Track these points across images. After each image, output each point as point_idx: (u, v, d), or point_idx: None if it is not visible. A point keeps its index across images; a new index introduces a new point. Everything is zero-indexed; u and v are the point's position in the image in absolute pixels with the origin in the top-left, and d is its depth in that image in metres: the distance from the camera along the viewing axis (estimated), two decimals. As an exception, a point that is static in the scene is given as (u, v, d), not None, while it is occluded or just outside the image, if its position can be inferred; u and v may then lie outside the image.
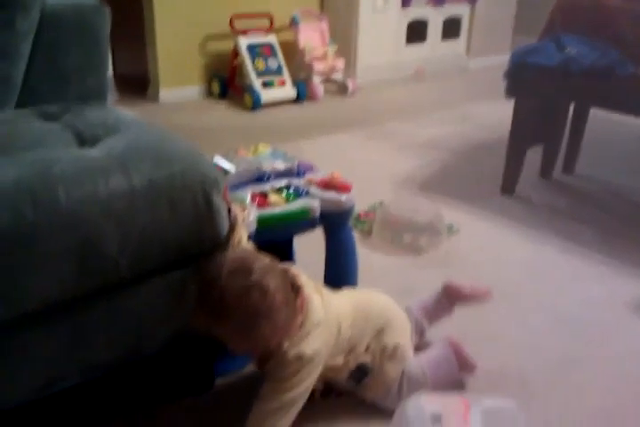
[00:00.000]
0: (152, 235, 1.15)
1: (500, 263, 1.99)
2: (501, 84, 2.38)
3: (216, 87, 3.80)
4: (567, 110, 2.58)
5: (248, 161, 1.63)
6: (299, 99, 3.73)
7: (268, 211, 1.44)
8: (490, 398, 1.22)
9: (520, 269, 1.96)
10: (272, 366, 1.20)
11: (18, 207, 1.00)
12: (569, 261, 2.00)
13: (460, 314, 1.58)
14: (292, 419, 1.20)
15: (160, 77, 3.67)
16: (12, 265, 0.99)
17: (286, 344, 1.18)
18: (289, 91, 3.71)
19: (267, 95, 3.60)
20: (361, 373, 1.32)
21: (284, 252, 1.78)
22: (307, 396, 1.21)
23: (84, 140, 1.28)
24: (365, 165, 2.71)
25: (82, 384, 1.19)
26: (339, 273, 1.61)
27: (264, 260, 1.18)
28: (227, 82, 3.77)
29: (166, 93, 3.69)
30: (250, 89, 3.59)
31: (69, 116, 1.41)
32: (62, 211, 1.04)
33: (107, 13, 1.65)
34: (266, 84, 3.63)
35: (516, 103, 2.39)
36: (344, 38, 4.05)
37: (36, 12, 1.53)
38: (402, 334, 1.39)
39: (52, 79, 1.59)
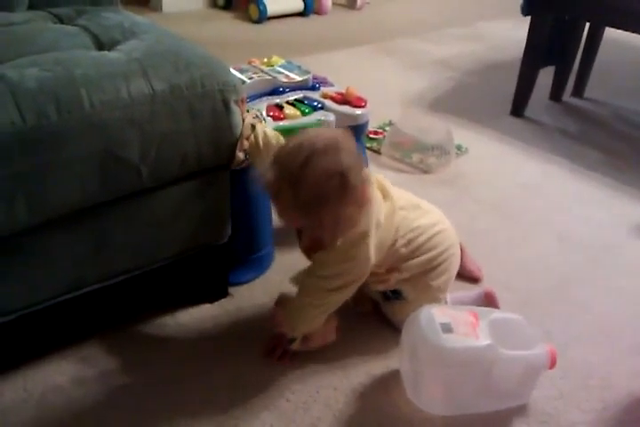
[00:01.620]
0: (172, 142, 1.15)
1: (508, 183, 2.00)
2: (516, 2, 2.31)
3: (220, -2, 3.67)
4: (582, 30, 2.52)
5: (263, 71, 1.60)
6: (306, 12, 3.61)
7: (284, 123, 1.44)
8: (497, 311, 1.26)
9: (526, 190, 1.97)
10: (322, 257, 1.18)
11: (42, 109, 1.00)
12: (575, 183, 2.02)
13: (467, 232, 1.61)
14: (324, 319, 1.22)
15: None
16: (37, 168, 1.00)
17: (340, 241, 1.14)
18: (296, 3, 3.58)
19: (273, 7, 3.48)
20: (396, 295, 1.33)
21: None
22: (343, 300, 1.22)
23: (102, 44, 1.25)
24: (374, 81, 2.66)
25: (101, 288, 1.22)
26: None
27: (354, 147, 1.11)
28: (232, -8, 3.64)
29: (169, 2, 3.56)
30: (255, 0, 3.47)
31: (85, 18, 1.37)
32: (85, 114, 1.04)
33: None
34: (272, -5, 3.50)
35: (532, 22, 2.33)
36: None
37: None
38: (450, 272, 1.34)
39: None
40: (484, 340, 1.10)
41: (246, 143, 1.26)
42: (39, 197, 1.02)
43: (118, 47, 1.22)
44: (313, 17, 3.63)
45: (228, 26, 3.41)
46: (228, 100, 1.20)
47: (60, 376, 1.22)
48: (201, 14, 3.59)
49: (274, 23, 3.46)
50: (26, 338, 1.22)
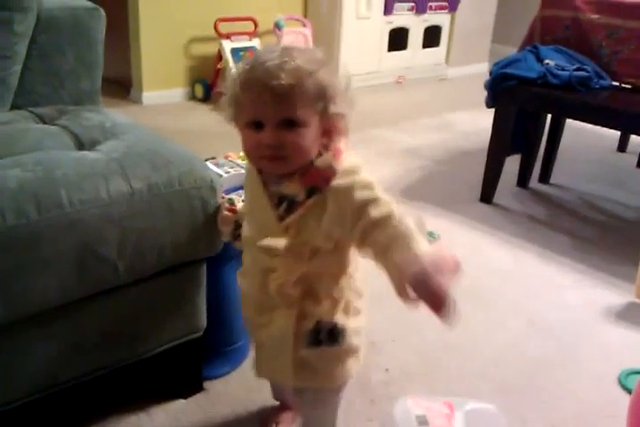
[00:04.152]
0: (150, 239, 1.18)
1: (479, 270, 2.04)
2: (481, 93, 2.45)
3: (199, 90, 3.81)
4: (544, 121, 2.66)
5: (238, 165, 1.66)
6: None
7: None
8: (472, 402, 1.27)
9: (498, 276, 2.01)
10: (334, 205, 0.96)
11: (22, 208, 1.03)
12: (546, 269, 2.07)
13: (437, 321, 1.62)
14: None
15: (143, 80, 3.68)
16: (16, 266, 1.02)
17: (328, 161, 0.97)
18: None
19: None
20: (332, 337, 1.05)
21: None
22: None
23: (82, 144, 1.30)
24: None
25: (74, 385, 1.21)
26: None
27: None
28: (210, 85, 3.79)
29: (149, 95, 3.70)
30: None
31: (66, 118, 1.43)
32: (64, 213, 1.07)
33: (102, 17, 1.68)
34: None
35: (496, 113, 2.46)
36: (327, 44, 4.09)
37: (32, 15, 1.54)
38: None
39: (47, 81, 1.60)
40: (460, 431, 1.10)
41: (228, 214, 1.19)
42: (16, 295, 1.03)
43: (98, 147, 1.27)
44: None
45: (207, 118, 3.52)
46: (206, 198, 1.24)
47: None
48: (180, 107, 3.72)
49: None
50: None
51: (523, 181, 2.74)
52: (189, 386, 1.42)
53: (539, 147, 2.71)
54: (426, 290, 0.84)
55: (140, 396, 1.38)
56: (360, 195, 0.95)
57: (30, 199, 1.04)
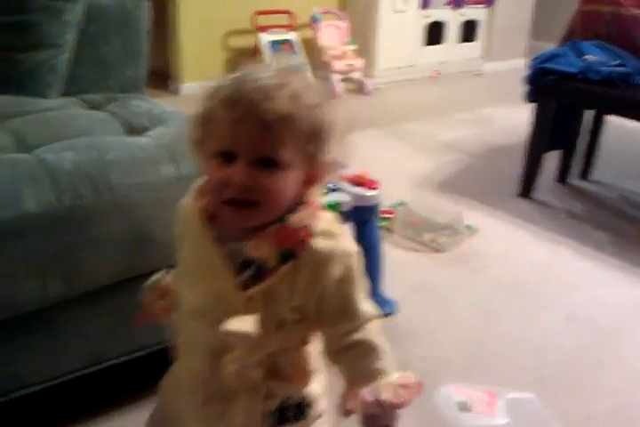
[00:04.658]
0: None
1: (518, 264, 2.03)
2: (518, 89, 2.43)
3: (236, 82, 3.84)
4: (584, 117, 2.63)
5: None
6: (317, 96, 3.76)
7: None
8: (513, 391, 1.27)
9: (537, 270, 2.00)
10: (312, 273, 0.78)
11: (77, 189, 1.06)
12: (584, 264, 2.05)
13: (479, 311, 1.63)
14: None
15: (182, 71, 3.72)
16: (72, 245, 1.05)
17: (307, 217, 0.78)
18: (308, 88, 3.74)
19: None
20: (298, 412, 0.88)
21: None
22: None
23: (131, 129, 1.32)
24: (383, 164, 2.75)
25: (117, 364, 1.24)
26: (368, 266, 1.65)
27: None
28: (247, 77, 3.81)
29: (187, 87, 3.74)
30: (270, 85, 3.63)
31: (115, 105, 1.46)
32: (116, 195, 1.10)
33: (147, 8, 1.71)
34: (286, 81, 3.67)
35: (536, 108, 2.44)
36: (364, 38, 4.09)
37: (82, 4, 1.58)
38: None
39: (95, 69, 1.64)
40: (501, 419, 1.11)
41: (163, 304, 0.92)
42: (72, 274, 1.06)
43: (147, 133, 1.29)
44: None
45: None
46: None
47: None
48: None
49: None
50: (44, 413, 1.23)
51: (562, 176, 2.71)
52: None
53: (577, 142, 2.69)
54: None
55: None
56: (338, 270, 0.78)
57: (85, 181, 1.08)
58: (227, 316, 0.77)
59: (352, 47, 3.95)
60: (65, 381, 1.17)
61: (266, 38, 3.71)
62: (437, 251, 2.08)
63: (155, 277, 0.93)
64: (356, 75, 4.00)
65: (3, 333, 1.04)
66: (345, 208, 1.56)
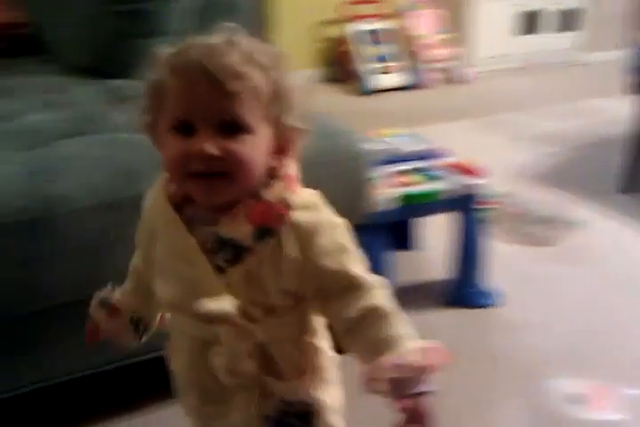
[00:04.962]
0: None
1: (624, 259, 1.96)
2: (617, 80, 2.33)
3: (328, 72, 3.86)
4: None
5: (385, 142, 1.68)
6: (410, 86, 3.74)
7: (408, 190, 1.49)
8: (627, 387, 1.23)
9: (643, 267, 1.93)
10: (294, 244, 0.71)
11: None
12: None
13: (590, 308, 1.58)
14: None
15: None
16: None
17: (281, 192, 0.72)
18: (400, 77, 3.73)
19: (377, 81, 3.63)
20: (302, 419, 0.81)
21: (401, 235, 1.84)
22: None
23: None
24: (479, 154, 2.67)
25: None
26: (465, 258, 1.64)
27: None
28: (338, 67, 3.83)
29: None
30: (361, 74, 3.63)
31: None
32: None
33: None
34: (377, 70, 3.66)
35: (641, 100, 2.34)
36: (457, 27, 4.02)
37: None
38: None
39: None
40: (615, 414, 1.07)
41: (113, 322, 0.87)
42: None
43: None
44: (417, 91, 3.75)
45: (335, 99, 3.56)
46: (358, 169, 1.27)
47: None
48: (309, 88, 3.77)
49: (379, 97, 3.59)
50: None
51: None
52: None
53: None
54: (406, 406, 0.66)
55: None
56: (327, 242, 0.71)
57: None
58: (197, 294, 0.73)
59: (444, 36, 3.90)
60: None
61: (357, 27, 3.71)
62: (542, 244, 2.02)
63: (102, 294, 0.87)
64: (449, 64, 3.94)
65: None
66: (446, 196, 1.54)
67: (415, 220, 1.85)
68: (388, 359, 0.67)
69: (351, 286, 0.72)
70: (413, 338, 0.70)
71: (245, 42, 0.68)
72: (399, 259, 1.64)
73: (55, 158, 1.07)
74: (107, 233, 1.05)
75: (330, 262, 0.71)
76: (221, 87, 0.64)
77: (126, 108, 1.31)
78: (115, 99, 1.39)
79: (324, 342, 0.81)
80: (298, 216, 0.71)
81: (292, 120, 0.70)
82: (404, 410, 0.66)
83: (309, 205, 0.73)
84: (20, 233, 0.98)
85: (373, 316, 0.71)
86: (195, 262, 0.72)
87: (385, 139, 1.70)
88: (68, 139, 1.14)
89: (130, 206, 1.04)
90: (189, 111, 0.66)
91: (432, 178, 1.56)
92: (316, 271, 0.71)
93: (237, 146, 0.66)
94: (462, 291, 1.66)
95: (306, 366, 0.79)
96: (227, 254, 0.71)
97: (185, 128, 0.66)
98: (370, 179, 1.31)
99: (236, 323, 0.72)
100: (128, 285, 0.87)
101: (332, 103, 3.44)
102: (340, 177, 1.26)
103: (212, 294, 0.72)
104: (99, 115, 1.28)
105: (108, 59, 1.57)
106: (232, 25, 0.70)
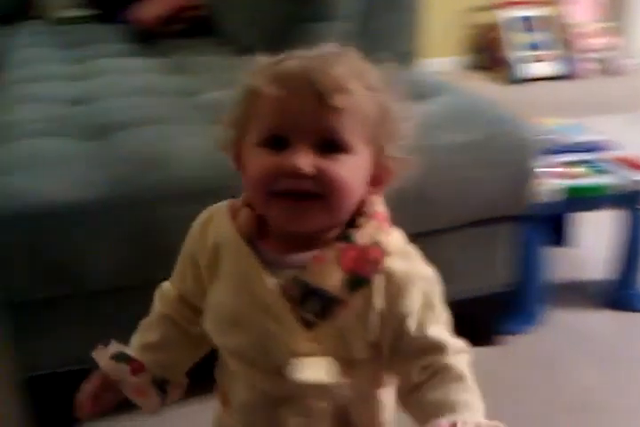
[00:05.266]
0: (464, 191, 1.22)
1: None
2: None
3: (477, 59, 3.78)
4: None
5: (549, 131, 1.64)
6: (563, 76, 3.59)
7: (575, 182, 1.45)
8: None
9: None
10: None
11: None
12: None
13: None
14: None
15: (425, 47, 3.73)
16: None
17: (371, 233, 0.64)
18: (553, 66, 3.59)
19: (528, 70, 3.52)
20: None
21: (556, 230, 1.79)
22: None
23: (412, 96, 1.36)
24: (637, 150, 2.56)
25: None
26: (627, 258, 1.57)
27: None
28: (486, 54, 3.74)
29: (428, 62, 3.74)
30: (510, 62, 3.54)
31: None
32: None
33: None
34: (528, 59, 3.54)
35: None
36: (616, 15, 3.80)
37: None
38: None
39: (367, 41, 1.69)
40: None
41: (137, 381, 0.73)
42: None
43: (427, 100, 1.33)
44: (571, 81, 3.59)
45: (483, 87, 3.47)
46: (527, 158, 1.26)
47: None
48: (457, 75, 3.71)
49: (529, 86, 3.48)
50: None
51: None
52: (481, 338, 1.44)
53: None
54: None
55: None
56: (418, 296, 0.64)
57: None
58: (286, 360, 0.63)
59: (602, 25, 3.70)
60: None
61: (509, 14, 3.60)
62: None
63: (112, 349, 0.74)
64: (606, 54, 3.75)
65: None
66: (613, 192, 1.48)
67: (570, 215, 1.79)
68: (443, 423, 0.58)
69: (434, 348, 0.63)
70: (477, 410, 0.61)
71: (356, 58, 0.63)
72: (554, 255, 1.60)
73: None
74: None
75: (413, 320, 0.63)
76: (325, 100, 0.57)
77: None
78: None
79: (390, 396, 0.72)
80: (392, 264, 0.63)
81: (394, 149, 0.63)
82: None
83: (404, 251, 0.65)
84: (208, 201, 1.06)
85: (444, 376, 0.62)
86: (279, 315, 0.63)
87: (549, 128, 1.65)
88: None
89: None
90: (285, 123, 0.59)
91: (599, 171, 1.50)
92: (399, 326, 0.63)
93: (335, 166, 0.58)
94: (622, 293, 1.59)
95: (375, 422, 0.72)
96: (314, 306, 0.62)
97: (277, 142, 0.59)
98: (535, 168, 1.29)
99: (328, 392, 0.65)
100: (151, 335, 0.74)
101: (480, 91, 3.37)
102: (505, 164, 1.25)
103: (294, 351, 0.63)
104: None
105: (277, 41, 1.62)
106: (342, 44, 0.64)
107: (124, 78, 1.50)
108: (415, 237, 1.17)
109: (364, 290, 0.62)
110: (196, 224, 0.70)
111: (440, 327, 0.65)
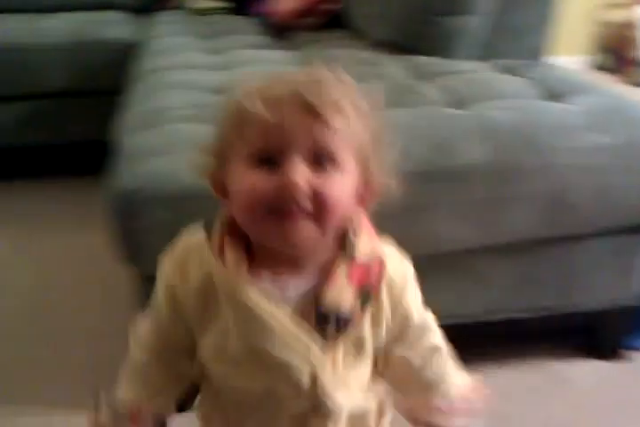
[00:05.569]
0: (619, 196, 1.18)
1: None
2: None
3: (605, 59, 3.63)
4: None
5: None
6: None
7: None
8: None
9: None
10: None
11: (514, 147, 1.12)
12: None
13: None
14: None
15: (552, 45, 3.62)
16: (499, 197, 1.11)
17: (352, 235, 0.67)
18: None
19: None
20: None
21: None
22: None
23: (552, 95, 1.32)
24: None
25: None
26: None
27: None
28: (614, 54, 3.58)
29: (553, 61, 3.63)
30: (642, 64, 3.37)
31: (529, 71, 1.48)
32: (546, 157, 1.13)
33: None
34: (662, 61, 3.37)
35: None
36: None
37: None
38: None
39: (505, 35, 1.67)
40: None
41: None
42: (492, 223, 1.13)
43: (567, 100, 1.29)
44: None
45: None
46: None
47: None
48: (585, 75, 3.58)
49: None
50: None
51: None
52: (604, 352, 1.41)
53: None
54: None
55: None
56: (413, 291, 0.71)
57: (520, 140, 1.13)
58: (311, 379, 0.65)
59: None
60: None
61: (645, 12, 3.42)
62: None
63: (108, 403, 0.75)
64: None
65: (427, 267, 1.14)
66: None
67: None
68: (440, 404, 0.75)
69: (425, 330, 0.74)
70: (459, 376, 0.76)
71: (346, 81, 0.63)
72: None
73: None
74: (417, 200, 1.11)
75: (414, 311, 0.71)
76: (319, 117, 0.58)
77: (435, 84, 1.36)
78: (421, 75, 1.45)
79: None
80: (391, 271, 0.68)
81: (379, 171, 0.65)
82: None
83: (396, 257, 0.70)
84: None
85: (435, 356, 0.74)
86: (296, 344, 0.64)
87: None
88: (387, 109, 1.21)
89: (440, 178, 1.10)
90: (278, 142, 0.59)
91: None
92: (404, 320, 0.71)
93: (328, 183, 0.59)
94: None
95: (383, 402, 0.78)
96: (331, 326, 0.64)
97: (266, 161, 0.59)
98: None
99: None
100: (143, 380, 0.75)
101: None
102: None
103: (330, 382, 0.66)
104: (410, 88, 1.35)
105: (414, 35, 1.63)
106: (331, 67, 0.64)
107: (262, 70, 1.55)
108: (549, 241, 1.18)
109: (373, 301, 0.67)
110: (171, 262, 0.69)
111: (424, 309, 0.73)
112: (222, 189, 0.64)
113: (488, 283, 1.21)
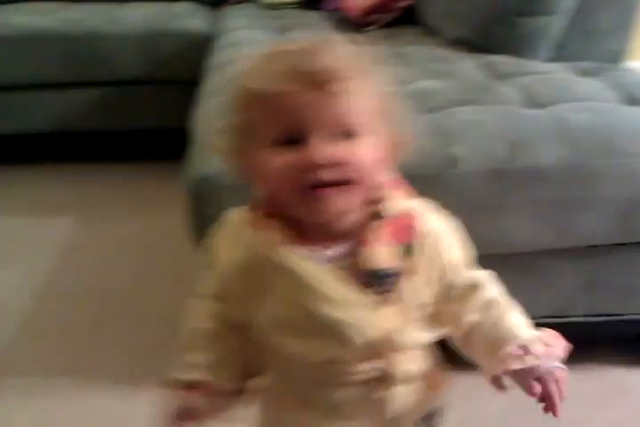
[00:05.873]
0: None
1: None
2: None
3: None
4: None
5: None
6: None
7: None
8: None
9: None
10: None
11: (592, 149, 1.12)
12: None
13: None
14: None
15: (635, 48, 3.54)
16: (575, 200, 1.11)
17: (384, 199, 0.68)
18: None
19: None
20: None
21: None
22: None
23: (631, 100, 1.30)
24: None
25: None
26: None
27: None
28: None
29: (629, 65, 3.55)
30: None
31: (606, 74, 1.45)
32: (620, 161, 1.12)
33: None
34: None
35: None
36: None
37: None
38: None
39: (582, 38, 1.65)
40: None
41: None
42: (566, 226, 1.13)
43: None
44: None
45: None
46: None
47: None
48: None
49: None
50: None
51: None
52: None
53: None
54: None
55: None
56: (450, 242, 0.71)
57: (598, 142, 1.12)
58: (365, 338, 0.67)
59: None
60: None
61: None
62: None
63: (178, 375, 0.73)
64: None
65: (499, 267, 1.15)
66: None
67: None
68: (514, 350, 0.68)
69: (475, 286, 0.72)
70: (529, 327, 0.72)
71: (345, 43, 0.64)
72: None
73: (456, 123, 1.16)
74: (490, 198, 1.11)
75: (457, 266, 0.71)
76: (328, 89, 0.59)
77: (511, 84, 1.36)
78: (497, 74, 1.44)
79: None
80: (424, 224, 0.68)
81: (397, 125, 0.65)
82: (535, 395, 0.68)
83: (430, 213, 0.71)
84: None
85: (494, 310, 0.71)
86: (354, 306, 0.66)
87: None
88: (462, 106, 1.22)
89: (512, 177, 1.10)
90: (296, 121, 0.60)
91: None
92: (448, 275, 0.71)
93: (359, 150, 0.61)
94: None
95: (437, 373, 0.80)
96: (380, 285, 0.66)
97: (292, 139, 0.61)
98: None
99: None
100: (208, 352, 0.73)
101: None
102: None
103: (385, 341, 0.68)
104: (484, 87, 1.34)
105: (489, 34, 1.62)
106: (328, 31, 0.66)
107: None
108: (620, 246, 1.16)
109: (413, 255, 0.67)
110: (220, 239, 0.71)
111: (473, 265, 0.73)
112: (249, 173, 0.66)
113: (556, 285, 1.21)
